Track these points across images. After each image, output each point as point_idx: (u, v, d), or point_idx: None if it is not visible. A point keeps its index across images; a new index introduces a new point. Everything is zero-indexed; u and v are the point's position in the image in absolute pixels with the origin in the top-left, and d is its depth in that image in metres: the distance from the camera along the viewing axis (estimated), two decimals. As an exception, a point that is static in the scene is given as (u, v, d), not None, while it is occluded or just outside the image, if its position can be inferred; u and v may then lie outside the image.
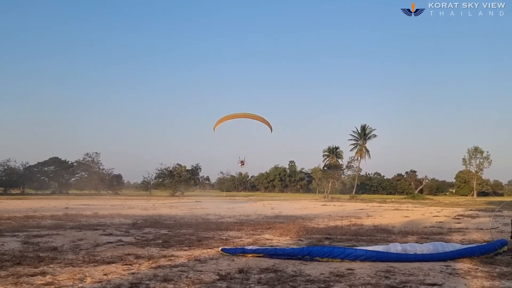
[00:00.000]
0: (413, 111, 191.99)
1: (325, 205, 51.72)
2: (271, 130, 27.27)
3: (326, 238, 15.69)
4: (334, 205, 50.20)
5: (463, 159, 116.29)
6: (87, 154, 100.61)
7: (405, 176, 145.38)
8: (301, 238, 15.54)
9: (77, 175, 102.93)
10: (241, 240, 14.68)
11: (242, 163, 29.60)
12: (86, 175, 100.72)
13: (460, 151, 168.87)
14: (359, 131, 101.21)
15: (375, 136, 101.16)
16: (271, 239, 15.20)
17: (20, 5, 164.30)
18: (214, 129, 26.76)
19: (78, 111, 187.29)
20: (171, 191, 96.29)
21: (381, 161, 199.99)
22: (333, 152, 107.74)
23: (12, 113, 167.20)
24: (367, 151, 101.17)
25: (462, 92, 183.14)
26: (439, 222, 25.24)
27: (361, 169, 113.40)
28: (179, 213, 31.13)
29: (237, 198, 79.80)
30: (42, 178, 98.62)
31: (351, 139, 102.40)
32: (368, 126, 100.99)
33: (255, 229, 18.59)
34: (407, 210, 40.57)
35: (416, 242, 13.97)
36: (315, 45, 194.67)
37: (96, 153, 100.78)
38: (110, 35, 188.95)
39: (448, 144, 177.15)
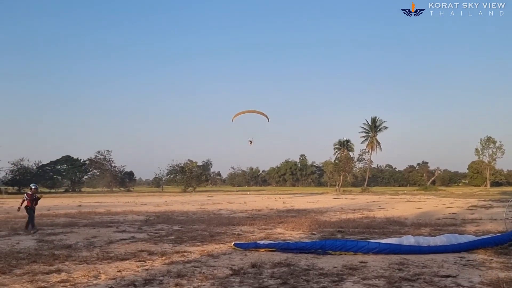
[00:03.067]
0: (423, 102, 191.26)
1: (337, 198, 51.58)
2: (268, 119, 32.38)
3: (339, 231, 15.65)
4: (346, 198, 50.01)
5: (476, 149, 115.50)
6: (99, 152, 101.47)
7: (417, 168, 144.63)
8: (313, 232, 15.52)
9: (89, 173, 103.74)
10: (253, 235, 14.69)
11: (251, 142, 36.22)
12: (98, 173, 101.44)
13: (472, 142, 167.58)
14: (370, 124, 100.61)
15: (385, 128, 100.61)
16: (283, 233, 15.20)
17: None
18: (232, 120, 31.73)
19: (89, 109, 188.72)
20: (183, 187, 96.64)
21: (392, 153, 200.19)
22: (344, 145, 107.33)
23: (24, 113, 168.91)
24: (378, 143, 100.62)
25: (473, 82, 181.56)
26: (452, 213, 25.06)
27: (372, 162, 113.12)
28: (191, 209, 31.24)
29: (248, 193, 79.87)
30: (55, 176, 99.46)
31: (362, 132, 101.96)
32: (378, 118, 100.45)
33: (267, 224, 18.60)
34: (419, 202, 40.28)
35: (430, 234, 13.91)
36: (325, 38, 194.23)
37: (108, 150, 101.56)
38: (121, 38, 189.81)
39: (460, 135, 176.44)
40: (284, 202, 40.22)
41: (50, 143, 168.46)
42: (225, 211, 28.03)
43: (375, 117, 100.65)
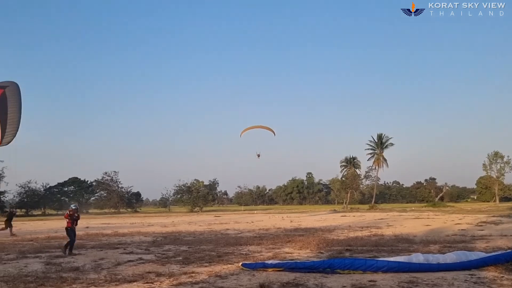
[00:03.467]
0: (428, 117, 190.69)
1: (345, 216, 51.28)
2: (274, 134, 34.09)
3: (347, 249, 15.54)
4: (354, 216, 49.74)
5: (483, 164, 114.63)
6: (106, 173, 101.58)
7: (424, 184, 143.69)
8: (321, 251, 15.43)
9: (96, 194, 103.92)
10: (261, 255, 14.62)
11: (259, 155, 38.45)
12: (105, 194, 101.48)
13: (479, 157, 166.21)
14: (376, 140, 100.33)
15: (392, 144, 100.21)
16: (291, 253, 15.12)
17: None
18: (240, 135, 33.59)
19: (96, 131, 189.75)
20: (190, 207, 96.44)
21: (399, 169, 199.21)
22: (351, 162, 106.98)
23: (32, 136, 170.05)
24: (385, 160, 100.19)
25: (480, 97, 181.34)
26: (462, 229, 24.84)
27: (379, 178, 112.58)
28: (198, 229, 31.13)
29: (255, 212, 79.54)
30: (62, 198, 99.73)
31: (368, 149, 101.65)
32: (384, 135, 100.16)
33: (275, 243, 18.51)
34: (428, 218, 39.97)
35: (439, 251, 13.79)
36: (327, 58, 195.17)
37: (115, 171, 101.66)
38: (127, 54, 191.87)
39: (467, 150, 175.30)
40: (291, 221, 40.02)
41: (58, 164, 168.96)
42: (232, 231, 27.91)
43: (381, 134, 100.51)
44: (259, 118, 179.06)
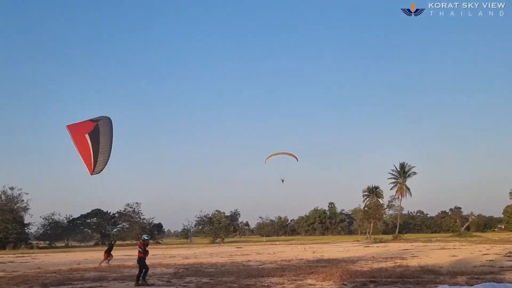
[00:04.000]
0: (452, 145, 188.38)
1: (368, 246, 50.47)
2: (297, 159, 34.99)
3: (371, 281, 15.25)
4: (377, 246, 48.94)
5: (510, 192, 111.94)
6: (128, 204, 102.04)
7: (449, 213, 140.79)
8: (344, 282, 15.16)
9: (118, 226, 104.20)
10: (283, 287, 14.44)
11: (283, 181, 38.69)
12: (127, 225, 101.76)
13: (506, 185, 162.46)
14: (398, 169, 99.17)
15: (415, 173, 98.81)
16: (314, 284, 14.89)
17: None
18: (265, 161, 34.76)
19: (118, 160, 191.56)
20: (211, 238, 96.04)
21: (423, 198, 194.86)
22: (373, 191, 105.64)
23: (55, 167, 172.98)
24: (408, 189, 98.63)
25: (502, 122, 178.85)
26: (490, 260, 24.19)
27: (402, 208, 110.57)
28: (220, 260, 30.95)
29: (277, 243, 78.77)
30: (85, 230, 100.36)
31: (391, 178, 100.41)
32: (407, 164, 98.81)
33: (297, 275, 18.26)
34: (454, 248, 39.10)
35: (467, 283, 13.44)
36: (348, 88, 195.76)
37: (137, 203, 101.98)
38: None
39: (493, 178, 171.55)
40: (313, 252, 39.53)
41: (81, 196, 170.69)
42: (254, 262, 27.66)
43: (404, 163, 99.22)
44: (279, 148, 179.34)
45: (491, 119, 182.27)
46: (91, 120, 18.53)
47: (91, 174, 16.98)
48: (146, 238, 17.45)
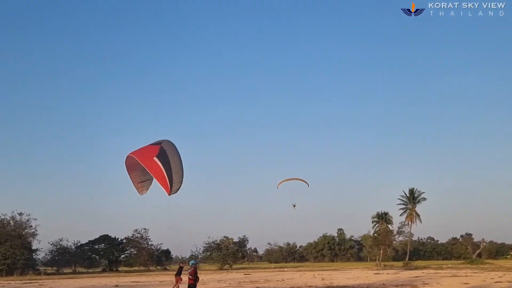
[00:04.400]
0: (462, 170, 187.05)
1: (378, 273, 49.83)
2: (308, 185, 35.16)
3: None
4: (388, 273, 48.30)
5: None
6: (136, 230, 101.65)
7: (460, 240, 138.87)
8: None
9: (126, 252, 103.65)
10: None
11: (294, 206, 38.52)
12: (135, 252, 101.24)
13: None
14: (407, 195, 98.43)
15: (424, 199, 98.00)
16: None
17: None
18: (277, 186, 35.07)
19: (126, 188, 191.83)
20: (219, 264, 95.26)
21: (433, 224, 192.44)
22: (383, 217, 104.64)
23: (65, 194, 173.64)
24: (418, 215, 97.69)
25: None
26: (503, 288, 23.82)
27: (412, 234, 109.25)
28: (228, 287, 30.72)
29: (286, 269, 77.94)
30: (93, 256, 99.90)
31: (400, 203, 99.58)
32: (416, 190, 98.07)
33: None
34: (466, 276, 38.53)
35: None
36: (356, 113, 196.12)
37: (145, 229, 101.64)
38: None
39: (505, 204, 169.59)
40: (323, 279, 39.09)
41: (89, 222, 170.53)
42: (263, 289, 27.40)
43: (413, 189, 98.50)
44: (287, 174, 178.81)
45: (502, 144, 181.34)
46: (152, 144, 19.15)
47: (169, 194, 17.59)
48: (194, 263, 17.52)
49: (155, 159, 17.87)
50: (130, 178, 19.54)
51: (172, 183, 17.66)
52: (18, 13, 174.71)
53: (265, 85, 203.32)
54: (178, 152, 18.95)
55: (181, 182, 18.13)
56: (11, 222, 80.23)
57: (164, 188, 17.42)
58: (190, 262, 17.64)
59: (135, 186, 19.55)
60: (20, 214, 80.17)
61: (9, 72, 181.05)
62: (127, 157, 18.78)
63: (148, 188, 19.76)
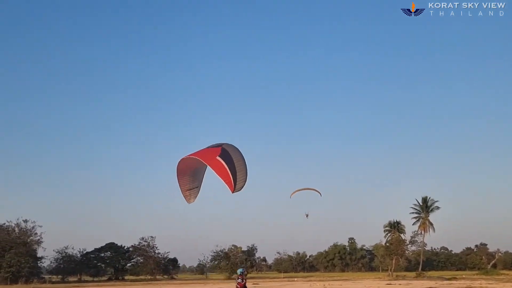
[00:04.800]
0: (477, 179, 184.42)
1: (390, 284, 48.28)
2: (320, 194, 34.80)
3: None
4: (400, 284, 46.78)
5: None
6: (143, 238, 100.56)
7: (475, 250, 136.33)
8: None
9: (133, 260, 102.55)
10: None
11: (307, 215, 38.07)
12: (142, 260, 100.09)
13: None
14: (421, 204, 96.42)
15: (437, 208, 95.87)
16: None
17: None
18: (290, 196, 34.77)
19: (133, 195, 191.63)
20: (227, 273, 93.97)
21: (447, 234, 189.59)
22: (395, 227, 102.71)
23: (70, 201, 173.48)
24: (431, 224, 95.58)
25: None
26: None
27: (425, 244, 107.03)
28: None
29: (295, 279, 76.39)
30: (98, 264, 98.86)
31: (413, 212, 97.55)
32: (430, 198, 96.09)
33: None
34: (481, 287, 37.01)
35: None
36: (367, 123, 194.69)
37: (152, 237, 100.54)
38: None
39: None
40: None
41: (95, 230, 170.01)
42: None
43: (426, 197, 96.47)
44: (298, 184, 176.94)
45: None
46: (212, 146, 19.64)
47: (233, 192, 18.28)
48: (242, 271, 16.96)
49: (218, 158, 18.43)
50: (179, 184, 19.91)
51: (236, 181, 18.11)
52: (23, 17, 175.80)
53: (278, 90, 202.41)
54: (240, 152, 19.46)
55: (245, 181, 18.65)
56: (16, 229, 79.68)
57: (228, 185, 17.88)
58: (238, 271, 16.93)
59: (183, 195, 19.98)
60: (25, 221, 79.71)
61: (12, 77, 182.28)
62: (182, 160, 19.06)
63: (196, 197, 20.32)
